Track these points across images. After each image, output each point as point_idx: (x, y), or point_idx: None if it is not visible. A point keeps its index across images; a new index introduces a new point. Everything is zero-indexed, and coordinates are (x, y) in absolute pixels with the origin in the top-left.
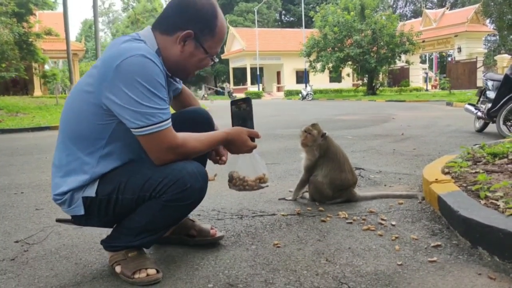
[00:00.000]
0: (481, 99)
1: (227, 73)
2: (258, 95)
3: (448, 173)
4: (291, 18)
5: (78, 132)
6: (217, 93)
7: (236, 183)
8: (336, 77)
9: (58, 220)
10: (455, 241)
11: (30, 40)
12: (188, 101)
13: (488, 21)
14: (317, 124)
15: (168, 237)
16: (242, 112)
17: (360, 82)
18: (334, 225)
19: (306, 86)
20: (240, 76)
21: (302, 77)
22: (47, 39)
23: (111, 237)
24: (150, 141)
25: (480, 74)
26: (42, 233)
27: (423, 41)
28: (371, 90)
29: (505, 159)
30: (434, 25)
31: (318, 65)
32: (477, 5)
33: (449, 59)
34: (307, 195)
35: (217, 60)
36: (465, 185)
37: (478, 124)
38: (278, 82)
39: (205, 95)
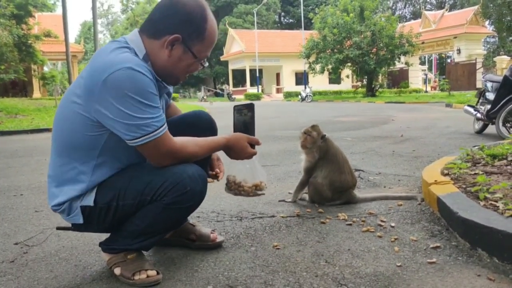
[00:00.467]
0: (480, 100)
1: (227, 74)
2: (257, 97)
3: (447, 174)
4: (291, 20)
5: (72, 143)
6: (217, 95)
7: (231, 187)
8: (335, 78)
9: (59, 228)
10: (454, 242)
11: (29, 42)
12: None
13: (487, 22)
14: (316, 125)
15: (168, 239)
16: (244, 118)
17: (359, 83)
18: (334, 227)
19: (305, 87)
20: (239, 77)
21: (301, 78)
22: (46, 41)
23: (110, 239)
24: (147, 149)
25: (479, 75)
26: (41, 235)
27: (423, 43)
28: (371, 92)
29: (505, 161)
30: (433, 26)
31: (318, 67)
32: (476, 7)
33: (449, 60)
34: (306, 196)
35: (207, 64)
36: (464, 186)
37: (478, 125)
38: (278, 83)
39: (204, 97)
